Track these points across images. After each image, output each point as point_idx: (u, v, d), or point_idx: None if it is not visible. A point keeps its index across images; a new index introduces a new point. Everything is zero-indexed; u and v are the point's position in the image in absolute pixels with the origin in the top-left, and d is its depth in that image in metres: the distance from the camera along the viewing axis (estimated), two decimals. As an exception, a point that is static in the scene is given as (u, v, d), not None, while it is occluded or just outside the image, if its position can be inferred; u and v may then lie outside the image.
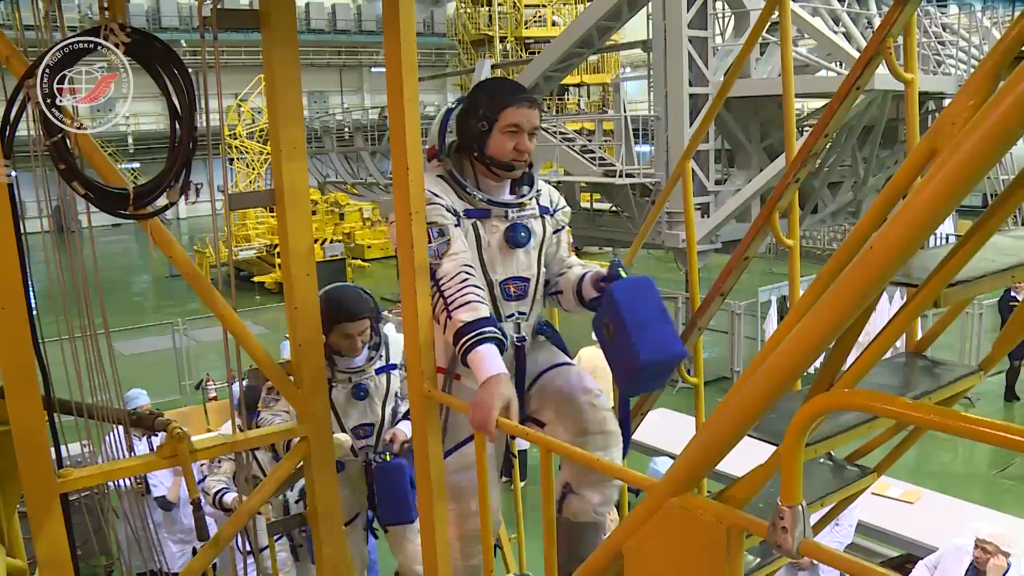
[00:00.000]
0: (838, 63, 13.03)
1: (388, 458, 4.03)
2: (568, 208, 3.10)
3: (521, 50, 35.71)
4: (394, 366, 4.32)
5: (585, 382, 2.92)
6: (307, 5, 40.48)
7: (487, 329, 2.50)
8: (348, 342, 4.06)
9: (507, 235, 2.83)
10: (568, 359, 3.03)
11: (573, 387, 2.88)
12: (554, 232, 3.01)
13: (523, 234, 2.85)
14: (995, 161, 1.30)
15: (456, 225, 2.72)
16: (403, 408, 4.40)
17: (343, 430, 4.13)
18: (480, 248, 2.79)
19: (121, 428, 3.60)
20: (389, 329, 7.27)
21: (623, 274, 2.69)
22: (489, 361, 2.46)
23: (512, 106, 2.74)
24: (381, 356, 4.26)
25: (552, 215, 3.01)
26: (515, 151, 2.76)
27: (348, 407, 4.19)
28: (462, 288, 2.56)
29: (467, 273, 2.61)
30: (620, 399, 2.92)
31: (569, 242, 3.10)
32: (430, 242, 2.63)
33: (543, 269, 2.96)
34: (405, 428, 4.16)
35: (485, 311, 2.55)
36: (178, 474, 6.51)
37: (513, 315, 2.89)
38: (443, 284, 2.58)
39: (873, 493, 6.41)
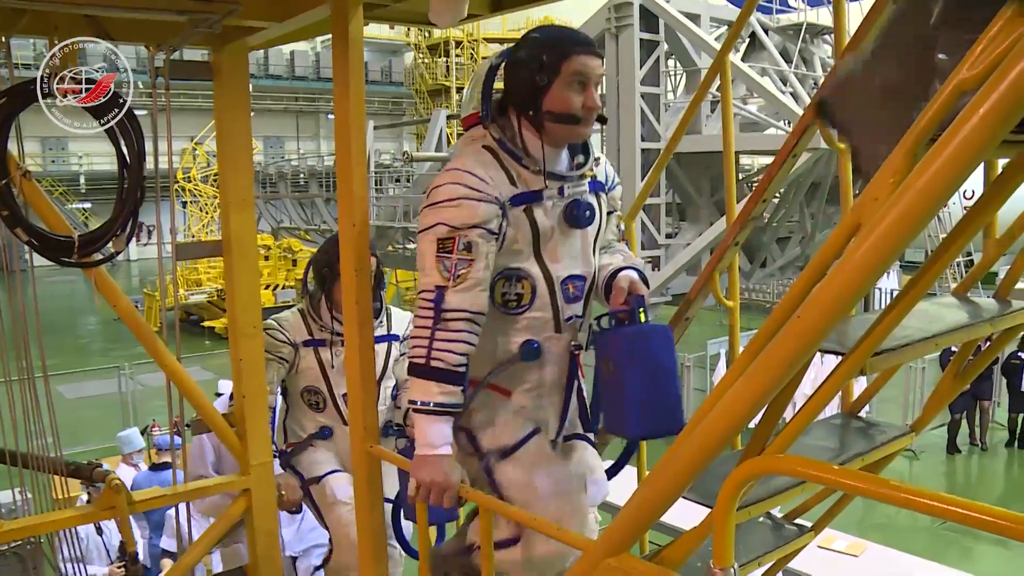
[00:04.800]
0: (785, 122, 13.40)
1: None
2: (621, 188, 2.61)
3: (479, 100, 36.03)
4: (396, 336, 3.95)
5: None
6: (265, 51, 40.53)
7: (457, 405, 2.23)
8: None
9: (567, 213, 2.32)
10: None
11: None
12: (608, 213, 2.51)
13: (587, 212, 2.35)
14: (913, 237, 1.37)
15: (493, 232, 2.22)
16: (397, 387, 3.91)
17: (332, 398, 3.82)
18: (538, 240, 2.30)
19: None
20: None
21: (643, 317, 2.29)
22: (446, 436, 2.22)
23: (576, 55, 2.24)
24: (381, 323, 3.86)
25: (607, 192, 2.51)
26: (584, 108, 2.27)
27: (340, 376, 3.71)
28: (458, 338, 2.19)
29: (474, 321, 2.21)
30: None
31: (619, 227, 2.61)
32: (451, 252, 2.17)
33: (596, 261, 2.46)
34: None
35: (464, 378, 2.22)
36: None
37: (571, 319, 2.40)
38: (446, 316, 2.18)
39: (819, 547, 6.44)
